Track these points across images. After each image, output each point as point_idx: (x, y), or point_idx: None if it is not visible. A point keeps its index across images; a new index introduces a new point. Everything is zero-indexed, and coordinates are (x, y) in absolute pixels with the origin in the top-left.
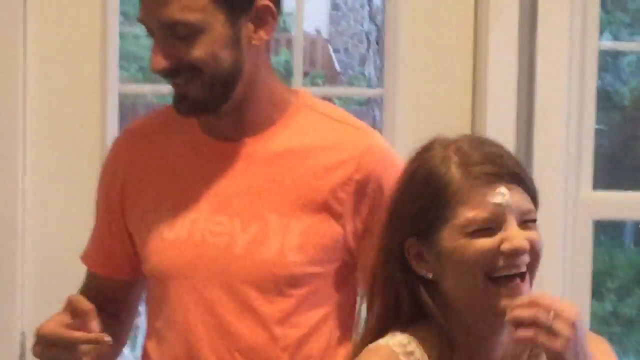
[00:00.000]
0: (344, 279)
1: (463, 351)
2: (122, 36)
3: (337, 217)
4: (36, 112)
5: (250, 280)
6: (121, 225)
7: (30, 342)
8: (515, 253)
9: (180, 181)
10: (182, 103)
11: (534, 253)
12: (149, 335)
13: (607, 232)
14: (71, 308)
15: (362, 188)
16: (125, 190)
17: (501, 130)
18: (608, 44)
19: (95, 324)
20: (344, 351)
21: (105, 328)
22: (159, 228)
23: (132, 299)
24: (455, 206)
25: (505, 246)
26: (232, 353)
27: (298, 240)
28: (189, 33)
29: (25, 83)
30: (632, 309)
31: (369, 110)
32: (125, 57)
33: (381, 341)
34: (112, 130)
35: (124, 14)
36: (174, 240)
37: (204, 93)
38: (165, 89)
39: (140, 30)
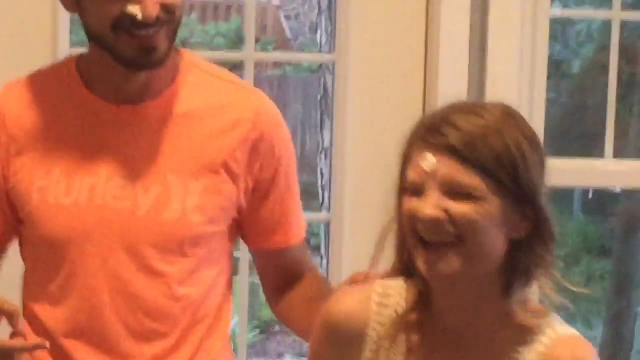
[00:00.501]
0: (232, 236)
1: (440, 315)
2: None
3: (233, 176)
4: None
5: (154, 242)
6: (4, 190)
7: None
8: (421, 220)
9: (73, 145)
10: (151, 54)
11: (459, 226)
12: (37, 300)
13: (556, 200)
14: None
15: (256, 147)
16: (9, 153)
17: (452, 97)
18: (559, 11)
19: (21, 325)
20: (230, 305)
21: None
22: (53, 193)
23: None
24: (406, 162)
25: (415, 212)
26: (136, 314)
27: (198, 200)
28: None
29: None
30: (581, 276)
31: (320, 76)
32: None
33: (369, 284)
34: None
35: None
36: (73, 205)
37: (167, 44)
38: None
39: None
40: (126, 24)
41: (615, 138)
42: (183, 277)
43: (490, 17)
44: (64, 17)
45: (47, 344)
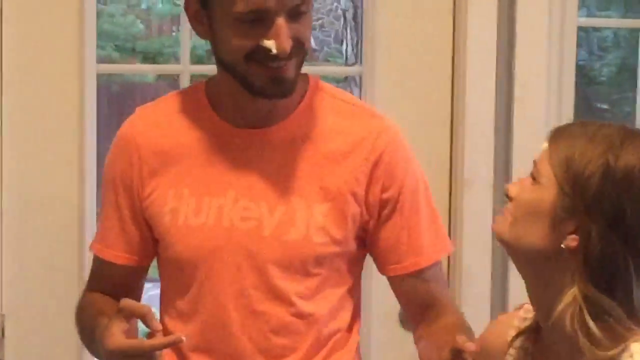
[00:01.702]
0: (359, 258)
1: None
2: (98, 15)
3: (356, 198)
4: (14, 93)
5: (278, 262)
6: (139, 211)
7: (9, 322)
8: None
9: (201, 167)
10: (282, 85)
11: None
12: (170, 315)
13: None
14: (125, 313)
15: (376, 168)
16: (143, 177)
17: (480, 107)
18: (587, 20)
19: (157, 324)
20: (359, 324)
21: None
22: (183, 214)
23: (141, 285)
24: None
25: None
26: (263, 331)
27: (322, 221)
28: (304, 12)
29: (2, 62)
30: None
31: (346, 87)
32: (100, 36)
33: (518, 309)
34: (90, 110)
35: None
36: (202, 226)
37: (296, 73)
38: (142, 68)
39: (115, 8)
40: (260, 56)
41: None
42: (307, 295)
43: (518, 26)
44: (91, 33)
45: (184, 339)
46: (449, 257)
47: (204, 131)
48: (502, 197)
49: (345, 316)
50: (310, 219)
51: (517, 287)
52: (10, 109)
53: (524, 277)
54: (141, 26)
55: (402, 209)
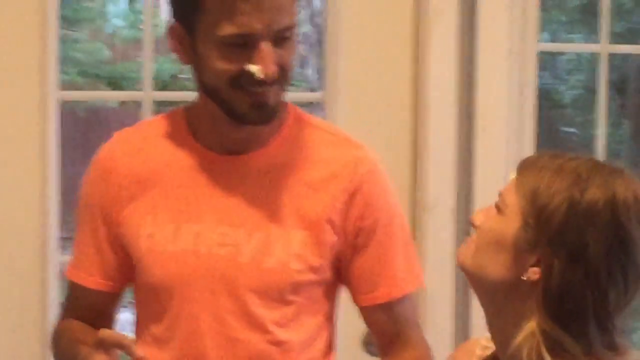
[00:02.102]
0: (335, 287)
1: None
2: (63, 40)
3: (334, 226)
4: None
5: (255, 289)
6: (115, 237)
7: None
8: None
9: (179, 193)
10: (264, 111)
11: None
12: (144, 341)
13: None
14: (106, 344)
15: (354, 198)
16: (120, 202)
17: (442, 132)
18: (547, 45)
19: (140, 354)
20: (334, 353)
21: None
22: (160, 240)
23: (116, 310)
24: None
25: None
26: (238, 358)
27: (299, 249)
28: (288, 38)
29: None
30: None
31: (310, 112)
32: (64, 62)
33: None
34: (52, 136)
35: (64, 17)
36: (180, 253)
37: (278, 100)
38: (104, 94)
39: (80, 34)
40: (244, 81)
41: None
42: (284, 322)
43: (479, 52)
44: (53, 59)
45: None
46: None
47: (183, 157)
48: (464, 222)
49: (320, 345)
50: (287, 246)
51: (479, 313)
52: None
53: (484, 307)
54: (107, 52)
55: (377, 240)
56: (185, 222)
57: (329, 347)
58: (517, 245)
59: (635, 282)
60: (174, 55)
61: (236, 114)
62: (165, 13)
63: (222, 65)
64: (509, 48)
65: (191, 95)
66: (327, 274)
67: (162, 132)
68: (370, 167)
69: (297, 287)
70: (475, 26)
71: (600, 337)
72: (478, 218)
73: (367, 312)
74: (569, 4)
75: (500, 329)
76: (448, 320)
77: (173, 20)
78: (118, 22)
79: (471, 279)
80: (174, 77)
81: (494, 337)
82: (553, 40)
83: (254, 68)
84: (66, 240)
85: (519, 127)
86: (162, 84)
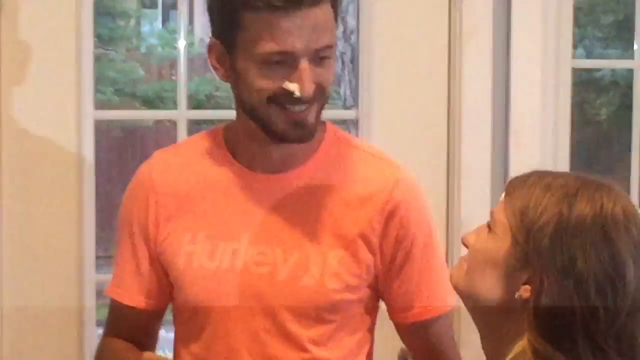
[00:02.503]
0: (373, 306)
1: None
2: (97, 59)
3: (370, 246)
4: (11, 139)
5: (292, 307)
6: (155, 255)
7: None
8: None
9: (217, 211)
10: (302, 129)
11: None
12: (182, 359)
13: None
14: None
15: (392, 218)
16: (159, 221)
17: (477, 149)
18: (582, 62)
19: None
20: None
21: None
22: (198, 258)
23: (158, 328)
24: None
25: None
26: None
27: (336, 268)
28: (327, 57)
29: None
30: None
31: (344, 129)
32: (100, 81)
33: None
34: (88, 155)
35: (99, 37)
36: (216, 270)
37: (316, 119)
38: (138, 114)
39: (115, 54)
40: (282, 99)
41: None
42: (322, 341)
43: (512, 69)
44: (88, 77)
45: None
46: None
47: (221, 175)
48: None
49: None
50: (324, 265)
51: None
52: (9, 156)
53: (477, 327)
54: (141, 71)
55: (414, 260)
56: (222, 240)
57: None
58: (508, 263)
59: (625, 297)
60: (209, 75)
61: (274, 132)
62: (200, 32)
63: (260, 83)
64: (543, 64)
65: (226, 114)
66: (365, 293)
67: (201, 151)
68: (409, 187)
69: (334, 306)
70: (509, 43)
71: (592, 356)
72: (470, 238)
73: (403, 330)
74: (603, 21)
75: (493, 349)
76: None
77: (213, 37)
78: (153, 41)
79: (464, 299)
80: (209, 96)
81: (488, 358)
82: (588, 57)
83: (292, 86)
84: (102, 259)
85: (554, 143)
86: (197, 103)
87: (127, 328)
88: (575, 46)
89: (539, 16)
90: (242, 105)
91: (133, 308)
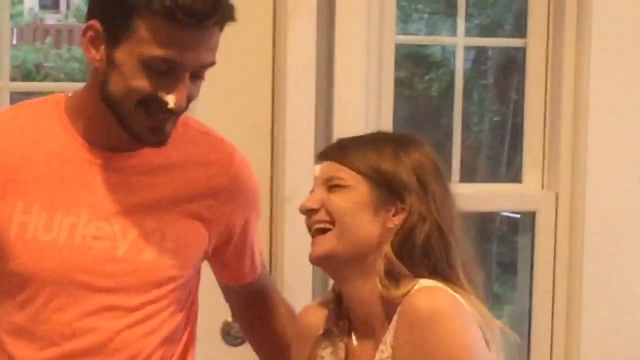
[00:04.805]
0: (198, 281)
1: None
2: None
3: (205, 222)
4: None
5: (129, 283)
6: None
7: None
8: (303, 211)
9: (54, 184)
10: (160, 135)
11: (329, 213)
12: (5, 330)
13: None
14: None
15: (228, 194)
16: None
17: (300, 126)
18: (404, 37)
19: None
20: (193, 353)
21: None
22: (32, 229)
23: None
24: None
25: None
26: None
27: (173, 245)
28: (203, 75)
29: None
30: None
31: None
32: None
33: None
34: None
35: None
36: (51, 243)
37: (173, 126)
38: None
39: None
40: (152, 106)
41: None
42: (152, 313)
43: (337, 43)
44: None
45: None
46: (270, 270)
47: (60, 147)
48: None
49: (184, 338)
50: (162, 241)
51: None
52: None
53: (347, 280)
54: None
55: (250, 228)
56: (60, 213)
57: (190, 342)
58: (374, 203)
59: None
60: (38, 44)
61: (132, 132)
62: (30, 1)
63: (136, 83)
64: (367, 40)
65: (54, 87)
66: (196, 268)
67: (40, 120)
68: (242, 163)
69: (169, 282)
70: (333, 20)
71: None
72: (313, 203)
73: (235, 290)
74: None
75: (370, 284)
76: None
77: (93, 19)
78: None
79: (344, 256)
80: (38, 65)
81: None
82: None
83: (169, 98)
84: None
85: (377, 119)
86: (26, 73)
87: None
88: (403, 21)
89: None
90: (104, 93)
91: None
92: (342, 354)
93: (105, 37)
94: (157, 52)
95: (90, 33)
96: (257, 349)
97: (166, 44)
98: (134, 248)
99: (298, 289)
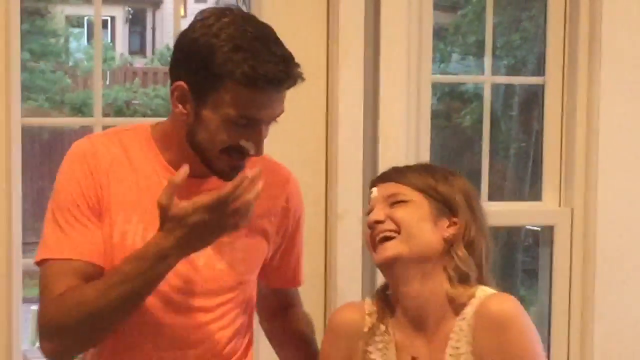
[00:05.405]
0: (255, 284)
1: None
2: (30, 71)
3: (266, 235)
4: None
5: (209, 288)
6: (99, 216)
7: None
8: (371, 224)
9: (149, 202)
10: (237, 172)
11: (395, 223)
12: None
13: None
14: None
15: (285, 212)
16: (102, 191)
17: (351, 152)
18: (439, 77)
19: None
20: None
21: None
22: (130, 237)
23: None
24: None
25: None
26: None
27: (242, 255)
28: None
29: None
30: None
31: None
32: (33, 90)
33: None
34: (16, 159)
35: (30, 51)
36: None
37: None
38: (59, 121)
39: (45, 65)
40: (234, 152)
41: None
42: (225, 313)
43: (382, 82)
44: (16, 88)
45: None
46: (325, 279)
47: (153, 172)
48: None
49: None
50: (233, 253)
51: None
52: None
53: (408, 280)
54: (68, 81)
55: (298, 240)
56: (151, 226)
57: (252, 333)
58: (433, 216)
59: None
60: (127, 85)
61: (214, 170)
62: (120, 47)
63: (221, 136)
64: (407, 79)
65: (139, 122)
66: (256, 274)
67: (133, 146)
68: (296, 184)
69: (239, 286)
70: (378, 64)
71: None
72: (379, 215)
73: (273, 291)
74: (467, 40)
75: (428, 284)
76: None
77: (180, 80)
78: (79, 55)
79: (409, 259)
80: (127, 103)
81: (422, 297)
82: (453, 73)
83: (249, 145)
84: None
85: (416, 146)
86: (117, 109)
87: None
88: (443, 61)
89: (404, 37)
90: (191, 140)
91: (94, 265)
92: (392, 347)
93: (191, 97)
94: (238, 112)
95: (177, 93)
96: (278, 353)
97: (247, 106)
98: (211, 258)
99: (349, 293)
